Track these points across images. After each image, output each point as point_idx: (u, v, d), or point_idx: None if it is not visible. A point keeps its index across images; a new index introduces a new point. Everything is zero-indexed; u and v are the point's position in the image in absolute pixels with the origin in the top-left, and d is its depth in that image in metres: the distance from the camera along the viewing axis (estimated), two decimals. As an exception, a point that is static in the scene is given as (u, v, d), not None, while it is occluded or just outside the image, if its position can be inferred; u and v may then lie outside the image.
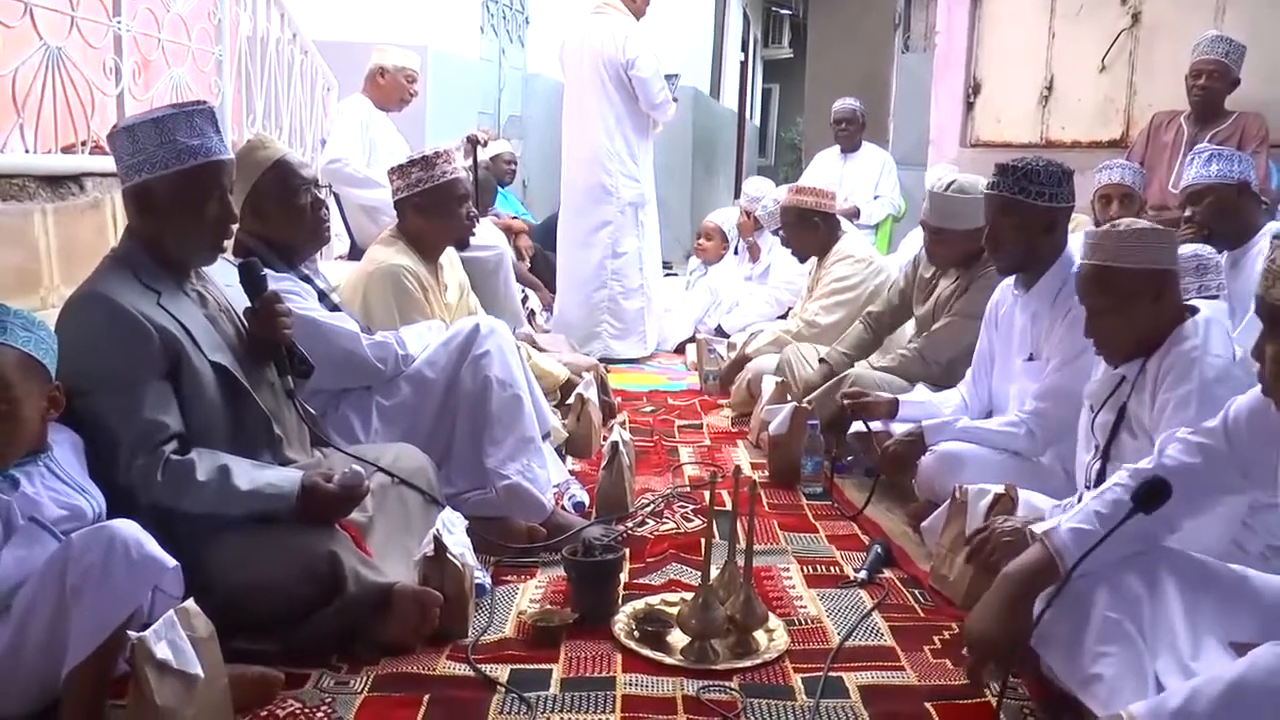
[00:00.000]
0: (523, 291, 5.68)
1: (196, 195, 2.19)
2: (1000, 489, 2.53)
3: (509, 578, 2.65)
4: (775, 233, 5.48)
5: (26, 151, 2.94)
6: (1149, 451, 2.14)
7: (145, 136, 2.15)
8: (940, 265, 3.70)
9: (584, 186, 5.78)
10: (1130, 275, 2.29)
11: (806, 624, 2.42)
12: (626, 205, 5.73)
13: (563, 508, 3.05)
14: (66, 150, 3.24)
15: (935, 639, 2.34)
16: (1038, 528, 1.98)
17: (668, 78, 5.63)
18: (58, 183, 3.03)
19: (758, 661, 2.21)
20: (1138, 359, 2.35)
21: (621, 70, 5.53)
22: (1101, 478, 2.35)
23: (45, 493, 1.89)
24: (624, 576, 2.58)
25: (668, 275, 6.54)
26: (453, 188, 3.35)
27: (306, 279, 2.92)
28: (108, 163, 2.48)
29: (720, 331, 5.81)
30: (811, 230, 4.55)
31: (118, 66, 3.36)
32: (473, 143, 5.30)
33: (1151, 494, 1.83)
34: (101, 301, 2.10)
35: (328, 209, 2.94)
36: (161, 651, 1.70)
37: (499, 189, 6.73)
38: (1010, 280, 3.06)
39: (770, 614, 2.35)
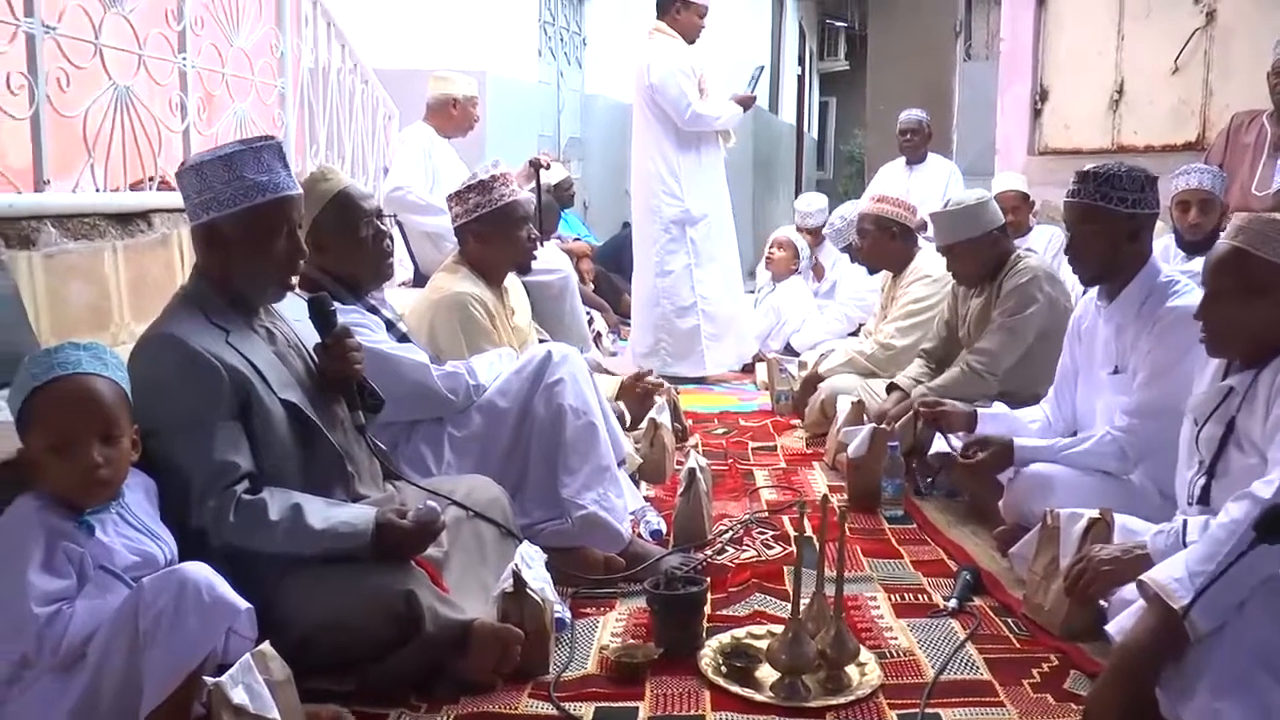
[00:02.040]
0: (588, 314, 5.64)
1: (265, 232, 2.16)
2: (1095, 514, 2.41)
3: (588, 610, 2.58)
4: (845, 250, 5.37)
5: (96, 190, 2.96)
6: (1260, 469, 2.01)
7: (213, 174, 2.12)
8: (967, 283, 3.76)
9: (639, 207, 5.85)
10: (1268, 267, 2.10)
11: (899, 657, 2.31)
12: (670, 223, 5.69)
13: (639, 536, 2.98)
14: (135, 187, 3.27)
15: (1034, 672, 2.23)
16: (1148, 576, 1.87)
17: (760, 69, 5.65)
18: (127, 220, 3.05)
19: (851, 699, 2.11)
20: (1249, 370, 2.21)
21: (651, 93, 5.57)
22: (1206, 494, 2.22)
23: (118, 540, 1.87)
24: (707, 608, 2.49)
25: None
26: (512, 210, 3.30)
27: (373, 309, 2.89)
28: (175, 199, 2.48)
29: (789, 350, 5.70)
30: (888, 241, 4.43)
31: (183, 103, 3.38)
32: (535, 166, 5.29)
33: (1274, 524, 1.71)
34: (171, 342, 2.07)
35: (391, 240, 2.91)
36: (238, 696, 1.67)
37: (564, 213, 6.72)
38: (1093, 292, 2.94)
39: (861, 647, 2.25)
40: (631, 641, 2.38)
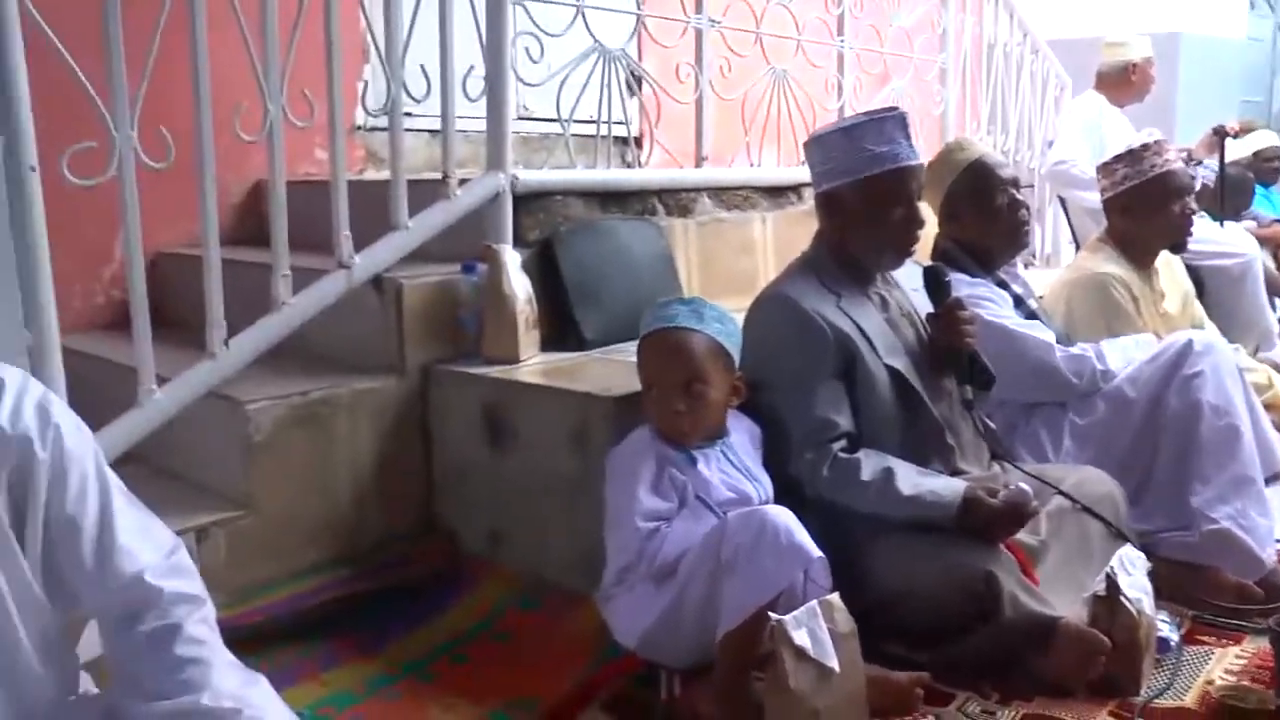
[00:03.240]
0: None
1: (882, 201, 2.22)
2: None
3: (1205, 638, 2.26)
4: None
5: (751, 165, 3.28)
6: None
7: (835, 145, 2.24)
8: None
9: None
10: None
11: None
12: None
13: (1289, 568, 2.54)
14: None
15: None
16: None
17: None
18: (778, 193, 3.33)
19: None
20: None
21: None
22: None
23: (717, 475, 2.05)
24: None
25: None
26: (1164, 182, 2.98)
27: (1003, 284, 2.82)
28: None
29: None
30: None
31: (839, 83, 3.57)
32: (1220, 135, 4.68)
33: None
34: (784, 301, 2.22)
35: (1028, 210, 2.82)
36: (799, 638, 1.74)
37: (1263, 189, 5.86)
38: None
39: None
40: (1247, 684, 2.05)
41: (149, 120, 2.08)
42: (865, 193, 2.22)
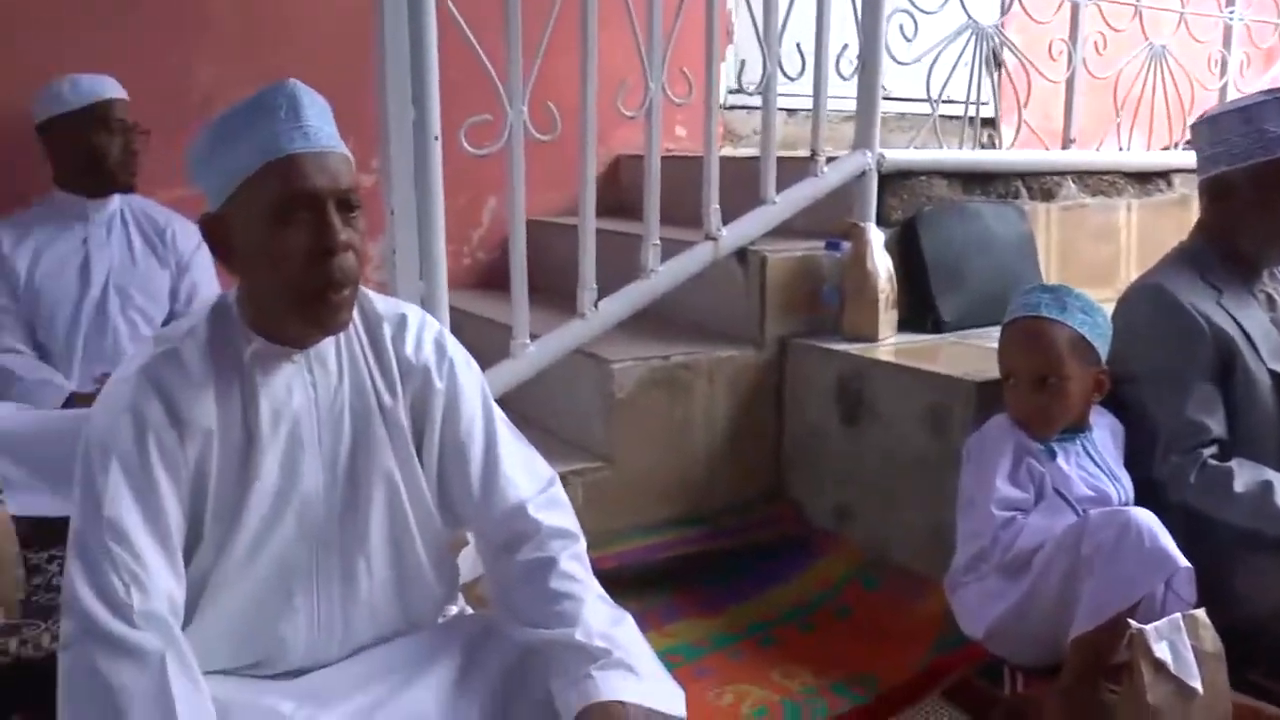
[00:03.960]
0: None
1: (1278, 188, 2.05)
2: None
3: None
4: None
5: (1120, 149, 3.10)
6: None
7: (1228, 126, 2.09)
8: None
9: None
10: None
11: None
12: None
13: None
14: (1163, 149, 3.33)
15: None
16: None
17: None
18: (1146, 179, 3.14)
19: None
20: None
21: None
22: None
23: (1076, 471, 1.98)
24: None
25: None
26: None
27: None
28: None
29: None
30: None
31: (1224, 59, 3.30)
32: None
33: None
34: (1158, 293, 2.10)
35: None
36: (1160, 651, 1.66)
37: None
38: None
39: None
40: None
41: (538, 97, 2.25)
42: (1261, 179, 2.06)
